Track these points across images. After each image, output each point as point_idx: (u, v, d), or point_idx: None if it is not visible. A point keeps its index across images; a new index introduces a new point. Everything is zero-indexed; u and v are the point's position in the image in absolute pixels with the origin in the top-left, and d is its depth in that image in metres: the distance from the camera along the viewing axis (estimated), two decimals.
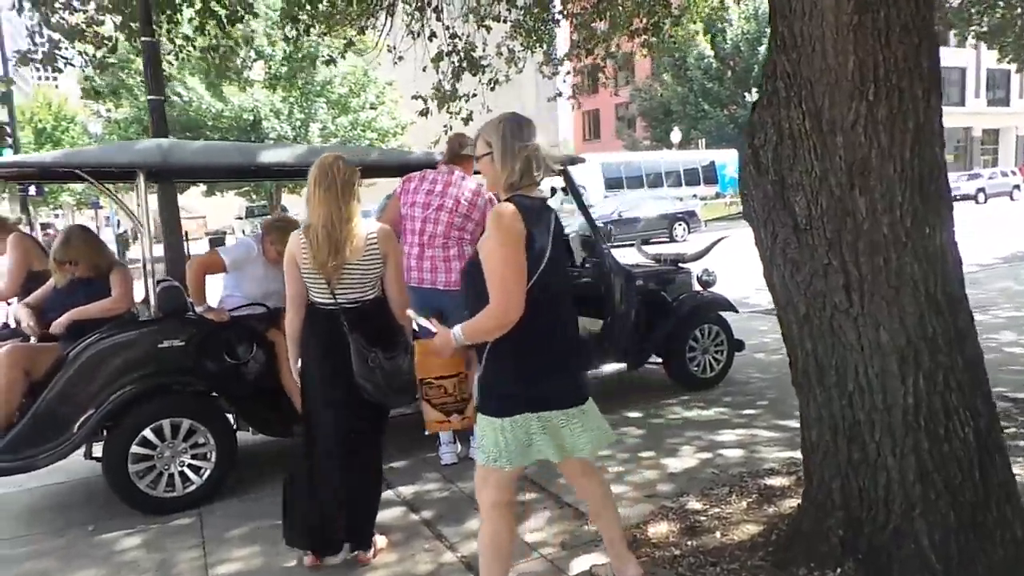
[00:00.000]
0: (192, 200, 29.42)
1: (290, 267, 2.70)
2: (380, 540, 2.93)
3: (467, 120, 8.62)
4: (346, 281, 2.67)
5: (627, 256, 6.20)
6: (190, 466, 3.52)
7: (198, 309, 3.62)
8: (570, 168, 4.61)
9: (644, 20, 8.41)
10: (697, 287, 5.24)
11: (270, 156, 3.72)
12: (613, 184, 24.66)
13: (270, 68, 22.23)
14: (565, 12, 8.59)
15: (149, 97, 5.39)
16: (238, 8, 6.29)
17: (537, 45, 8.82)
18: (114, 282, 3.67)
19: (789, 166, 2.39)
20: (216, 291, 3.90)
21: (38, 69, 6.44)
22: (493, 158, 2.13)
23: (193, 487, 3.52)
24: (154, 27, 5.48)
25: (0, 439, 3.26)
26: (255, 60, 21.74)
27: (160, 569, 2.92)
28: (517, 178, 2.10)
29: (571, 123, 52.77)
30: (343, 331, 2.65)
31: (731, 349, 5.19)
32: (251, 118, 21.68)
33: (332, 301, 2.67)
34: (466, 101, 8.54)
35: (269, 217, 3.76)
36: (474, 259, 2.14)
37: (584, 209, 4.69)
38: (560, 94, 9.38)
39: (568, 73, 9.15)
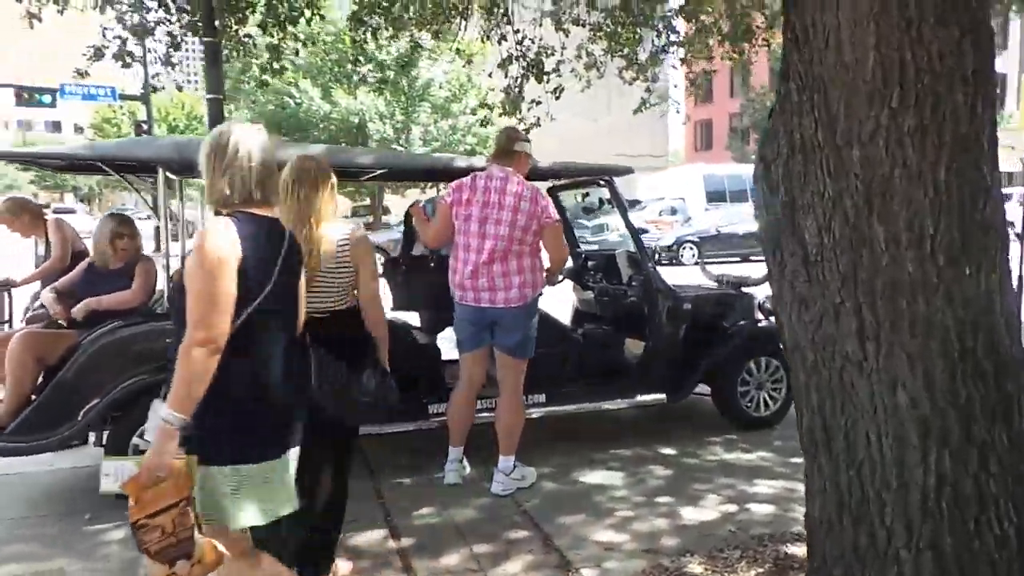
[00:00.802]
0: None
1: None
2: (343, 566, 2.73)
3: (532, 126, 8.38)
4: (314, 290, 2.50)
5: (690, 276, 5.79)
6: None
7: None
8: (619, 179, 4.31)
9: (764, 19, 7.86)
10: (759, 315, 4.76)
11: (289, 155, 3.62)
12: (715, 197, 23.60)
13: (382, 71, 22.90)
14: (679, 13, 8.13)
15: (208, 96, 5.52)
16: (302, 8, 6.37)
17: (620, 50, 8.46)
18: (136, 274, 3.71)
19: (800, 184, 2.01)
20: None
21: (128, 65, 6.78)
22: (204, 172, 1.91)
23: None
24: (217, 28, 5.61)
25: (11, 423, 3.34)
26: (364, 64, 22.43)
27: (128, 569, 2.86)
28: (229, 194, 1.87)
29: (682, 133, 51.47)
30: (305, 342, 2.48)
31: (791, 387, 4.65)
32: (356, 120, 22.35)
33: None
34: (535, 105, 8.32)
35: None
36: (179, 282, 1.88)
37: (629, 224, 4.34)
38: (645, 103, 8.95)
39: (650, 81, 8.71)
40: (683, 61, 8.39)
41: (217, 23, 6.74)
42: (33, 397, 3.48)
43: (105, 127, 36.99)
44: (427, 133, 23.35)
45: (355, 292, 2.59)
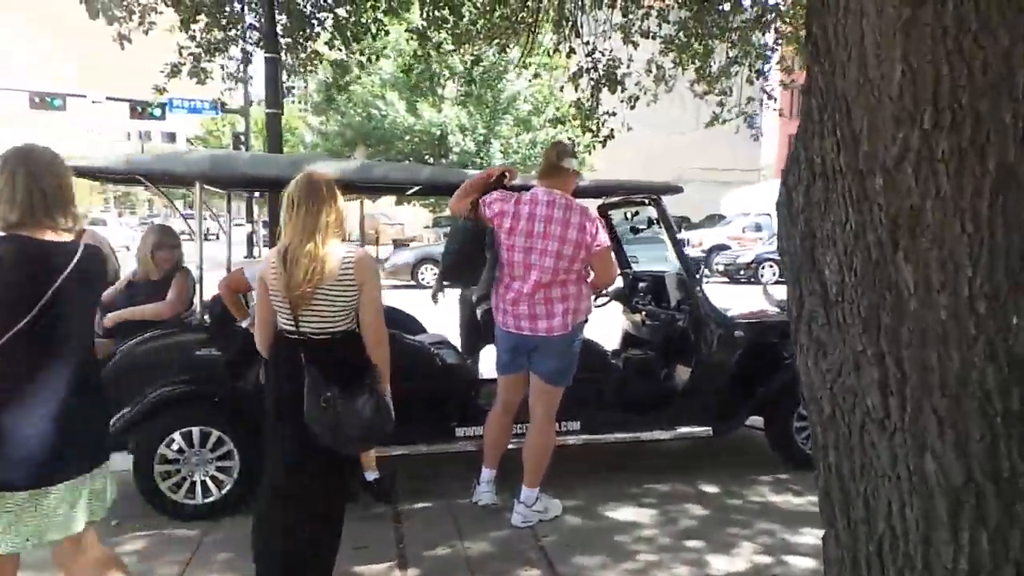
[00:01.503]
0: (391, 208, 31.54)
1: (261, 287, 2.51)
2: None
3: (606, 140, 8.20)
4: (314, 310, 2.43)
5: (750, 299, 5.46)
6: (212, 477, 3.50)
7: (243, 324, 3.60)
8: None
9: None
10: None
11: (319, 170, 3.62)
12: None
13: (468, 84, 23.20)
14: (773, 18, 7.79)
15: (267, 110, 5.65)
16: (369, 25, 6.45)
17: (690, 63, 8.17)
18: (172, 286, 3.78)
19: (821, 214, 1.77)
20: None
21: (202, 81, 7.08)
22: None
23: (212, 498, 3.49)
24: (281, 44, 5.74)
25: None
26: (448, 78, 22.78)
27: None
28: (15, 217, 1.86)
29: (775, 147, 49.67)
30: (301, 364, 2.42)
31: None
32: (438, 132, 22.70)
33: (295, 330, 2.45)
34: (609, 116, 8.14)
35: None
36: None
37: (676, 244, 4.11)
38: (717, 117, 8.60)
39: (725, 95, 8.36)
40: (759, 74, 8.01)
41: (288, 40, 6.94)
42: None
43: (208, 139, 39.11)
44: (507, 146, 23.45)
45: (354, 315, 2.51)
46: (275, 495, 2.51)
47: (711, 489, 3.88)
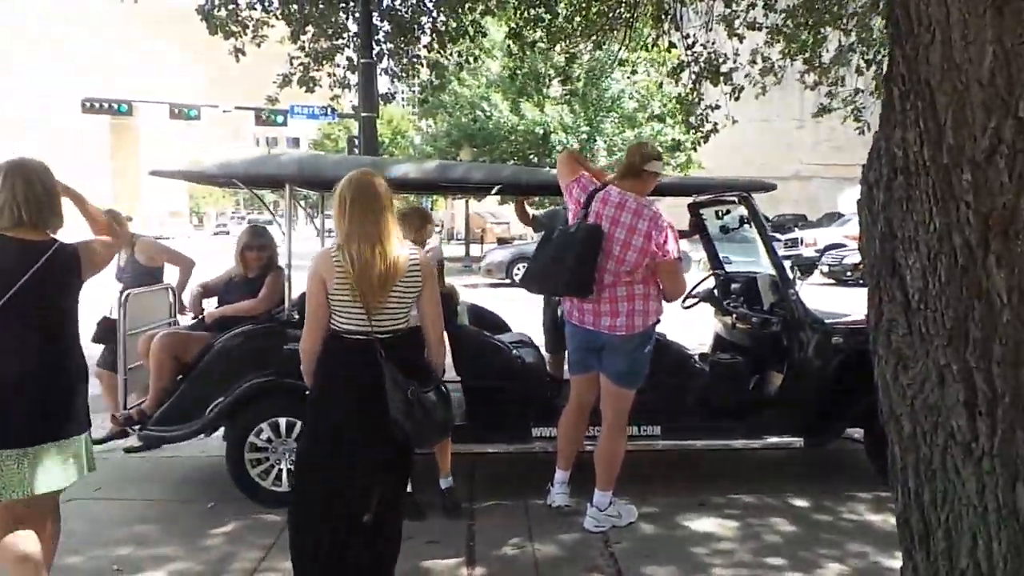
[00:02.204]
0: (497, 207, 31.94)
1: (317, 287, 2.40)
2: None
3: (709, 135, 7.92)
4: (387, 308, 2.44)
5: (855, 302, 5.11)
6: None
7: None
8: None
9: None
10: None
11: (401, 170, 3.70)
12: None
13: (565, 82, 23.16)
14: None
15: (363, 114, 5.82)
16: (467, 27, 6.53)
17: (800, 52, 7.75)
18: (265, 284, 3.97)
19: (902, 213, 1.62)
20: None
21: (311, 90, 7.42)
22: None
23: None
24: (376, 49, 5.91)
25: (153, 409, 3.72)
26: (553, 78, 22.78)
27: (224, 559, 3.04)
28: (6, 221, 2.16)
29: None
30: (378, 363, 2.39)
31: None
32: (541, 132, 22.75)
33: (367, 329, 2.43)
34: (712, 110, 7.87)
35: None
36: None
37: (769, 245, 3.90)
38: (826, 108, 8.10)
39: (836, 85, 7.88)
40: (869, 63, 7.48)
41: (390, 46, 7.14)
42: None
43: (326, 142, 41.14)
44: (611, 143, 23.17)
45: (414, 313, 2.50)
46: (354, 532, 2.41)
47: (801, 503, 3.66)
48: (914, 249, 1.59)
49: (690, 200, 4.52)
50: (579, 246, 3.16)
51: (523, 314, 4.35)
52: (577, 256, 3.15)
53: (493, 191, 4.19)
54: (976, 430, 1.49)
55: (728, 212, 4.21)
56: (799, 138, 37.90)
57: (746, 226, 3.98)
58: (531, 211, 5.05)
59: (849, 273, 15.53)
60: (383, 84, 7.85)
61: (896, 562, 2.98)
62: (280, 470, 3.64)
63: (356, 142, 24.85)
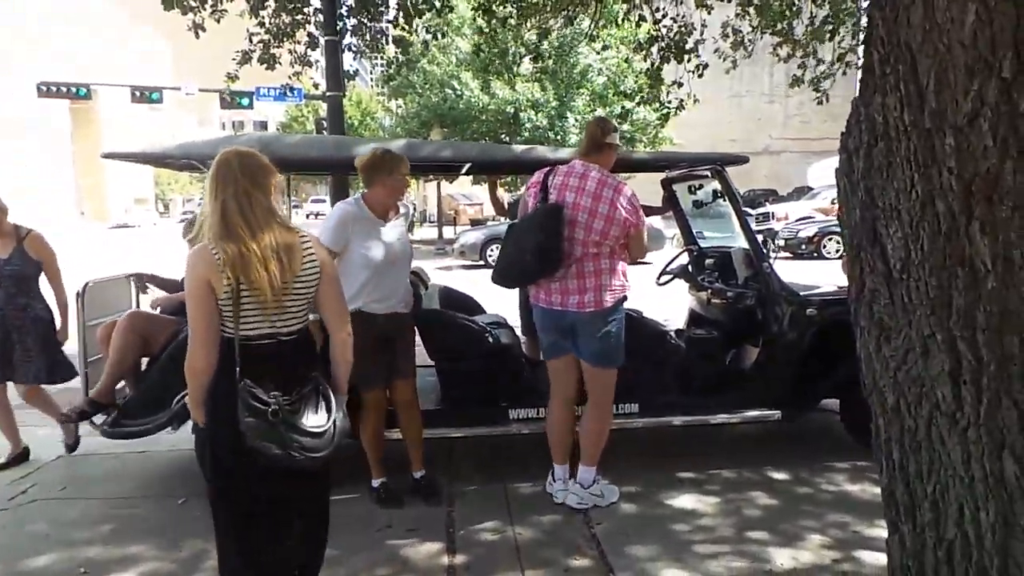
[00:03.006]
0: (470, 188, 31.67)
1: (202, 292, 1.96)
2: None
3: (674, 112, 7.89)
4: (288, 306, 2.02)
5: (832, 275, 5.12)
6: None
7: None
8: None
9: None
10: None
11: (365, 150, 3.59)
12: None
13: (536, 59, 22.95)
14: None
15: (328, 93, 5.66)
16: (433, 1, 6.38)
17: (772, 25, 7.72)
18: None
19: (883, 181, 1.58)
20: None
21: (271, 67, 7.20)
22: None
23: None
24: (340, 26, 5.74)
25: (108, 396, 3.56)
26: (523, 56, 22.55)
27: (196, 558, 2.96)
28: None
29: None
30: (290, 368, 2.04)
31: None
32: (511, 110, 22.56)
33: (272, 332, 2.02)
34: (677, 87, 7.82)
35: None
36: None
37: (742, 219, 3.87)
38: (799, 80, 8.10)
39: (810, 57, 7.86)
40: (832, 33, 7.48)
41: (354, 21, 6.95)
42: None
43: (293, 125, 40.36)
44: (582, 121, 23.07)
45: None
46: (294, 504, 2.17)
47: (780, 476, 3.67)
48: (895, 218, 1.55)
49: (663, 176, 4.48)
50: (539, 229, 3.11)
51: (498, 296, 4.28)
52: (539, 242, 3.10)
53: (463, 171, 4.10)
54: (961, 400, 1.46)
55: (701, 187, 4.18)
56: (769, 113, 38.13)
57: (720, 200, 3.95)
58: (504, 198, 4.97)
59: (803, 246, 15.71)
60: (347, 61, 7.67)
61: (877, 531, 3.02)
62: None
63: (324, 124, 24.55)
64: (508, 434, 3.66)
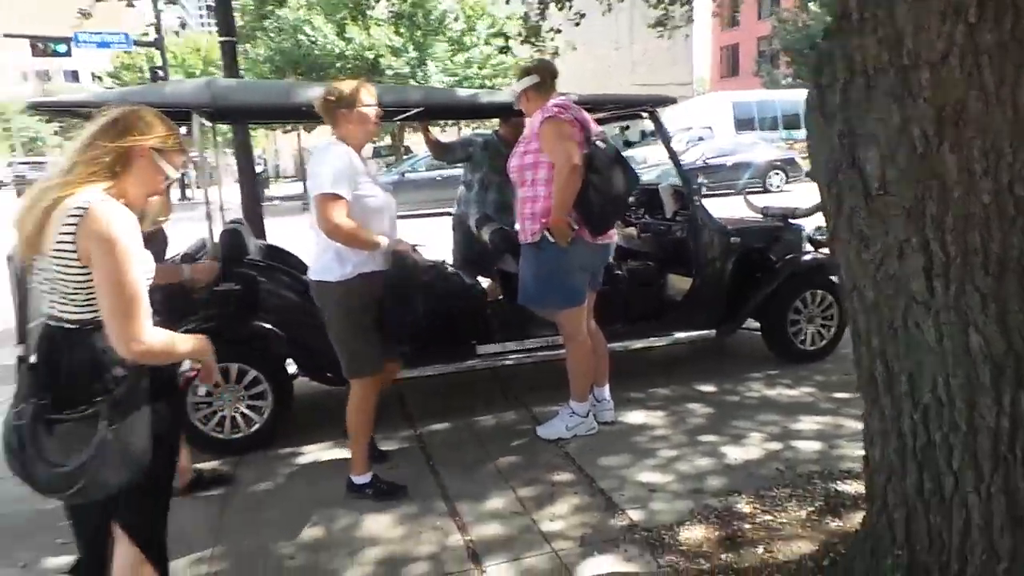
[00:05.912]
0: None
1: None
2: None
3: (553, 56, 8.08)
4: (43, 286, 1.69)
5: (734, 208, 5.61)
6: (245, 412, 3.48)
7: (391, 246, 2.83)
8: (663, 109, 4.11)
9: None
10: (808, 247, 4.58)
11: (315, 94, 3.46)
12: (744, 125, 22.71)
13: (394, 3, 22.26)
14: None
15: (220, 39, 5.35)
16: None
17: None
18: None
19: (860, 113, 1.86)
20: None
21: (131, 4, 6.56)
22: None
23: (240, 434, 3.48)
24: None
25: None
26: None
27: None
28: None
29: (708, 60, 49.57)
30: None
31: (843, 320, 4.44)
32: (371, 56, 21.88)
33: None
34: (556, 33, 8.01)
35: None
36: None
37: (674, 156, 4.17)
38: (662, 23, 8.50)
39: (673, 3, 8.28)
40: None
41: None
42: None
43: (124, 74, 36.40)
44: (444, 68, 22.79)
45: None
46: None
47: (708, 389, 4.10)
48: (874, 144, 1.84)
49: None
50: (624, 170, 3.28)
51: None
52: (631, 179, 3.34)
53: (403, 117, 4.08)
54: (933, 290, 1.79)
55: (628, 128, 4.43)
56: (617, 61, 39.45)
57: (649, 138, 4.22)
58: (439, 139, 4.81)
59: None
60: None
61: (801, 424, 3.51)
62: (223, 417, 3.46)
63: (160, 74, 22.46)
64: (472, 369, 3.79)
